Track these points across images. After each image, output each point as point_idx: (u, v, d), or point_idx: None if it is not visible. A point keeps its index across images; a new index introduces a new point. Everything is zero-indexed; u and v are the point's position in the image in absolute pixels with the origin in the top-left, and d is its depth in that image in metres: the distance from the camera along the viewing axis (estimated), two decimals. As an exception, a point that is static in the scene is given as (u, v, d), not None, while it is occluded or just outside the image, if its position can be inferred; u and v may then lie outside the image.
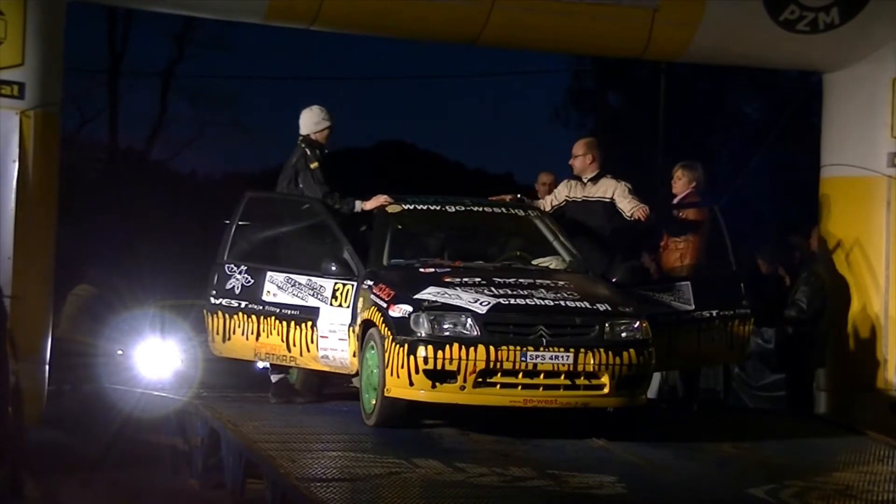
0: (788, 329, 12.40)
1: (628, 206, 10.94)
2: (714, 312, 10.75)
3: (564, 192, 11.21)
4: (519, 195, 11.66)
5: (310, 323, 10.18)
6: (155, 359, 15.95)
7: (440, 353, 8.98)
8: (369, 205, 10.56)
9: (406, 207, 10.59)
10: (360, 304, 9.80)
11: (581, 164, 11.18)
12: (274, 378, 10.83)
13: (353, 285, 9.96)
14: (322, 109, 11.05)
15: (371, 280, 9.76)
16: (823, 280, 12.35)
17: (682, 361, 11.05)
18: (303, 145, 10.94)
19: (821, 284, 12.23)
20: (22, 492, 9.36)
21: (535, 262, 10.41)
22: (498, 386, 9.03)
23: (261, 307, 10.45)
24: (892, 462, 9.33)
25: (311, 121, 11.00)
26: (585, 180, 11.16)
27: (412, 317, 9.12)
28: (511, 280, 9.62)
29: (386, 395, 9.22)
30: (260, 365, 12.01)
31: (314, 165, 10.81)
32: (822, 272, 12.43)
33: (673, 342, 10.41)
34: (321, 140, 11.01)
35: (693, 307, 10.67)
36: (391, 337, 9.16)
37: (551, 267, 10.33)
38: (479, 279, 9.57)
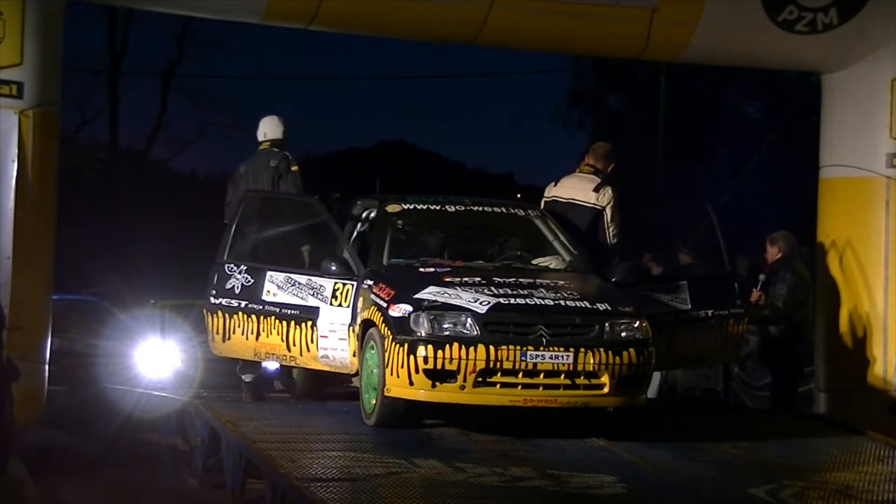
0: (769, 329, 12.39)
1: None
2: (710, 312, 10.78)
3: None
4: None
5: (310, 322, 10.18)
6: (155, 359, 15.97)
7: (440, 352, 8.98)
8: None
9: (406, 207, 10.59)
10: (359, 304, 9.80)
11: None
12: (247, 378, 11.06)
13: (353, 285, 9.96)
14: (281, 118, 11.61)
15: (371, 280, 9.76)
16: (803, 279, 12.32)
17: (679, 361, 11.06)
18: (275, 149, 11.37)
19: (797, 283, 12.19)
20: (6, 467, 9.34)
21: (535, 261, 10.42)
22: (498, 386, 9.03)
23: (261, 307, 10.45)
24: (892, 462, 9.33)
25: (277, 128, 11.51)
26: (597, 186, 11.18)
27: (412, 316, 9.12)
28: (511, 280, 9.62)
29: (386, 394, 9.22)
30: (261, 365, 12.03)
31: (295, 168, 11.29)
32: (802, 271, 12.41)
33: (671, 342, 10.41)
34: (285, 145, 11.50)
35: (690, 307, 10.69)
36: (391, 336, 9.16)
37: (551, 266, 10.33)
38: (479, 279, 9.57)
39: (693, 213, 11.95)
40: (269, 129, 11.52)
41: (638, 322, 9.37)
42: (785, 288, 12.13)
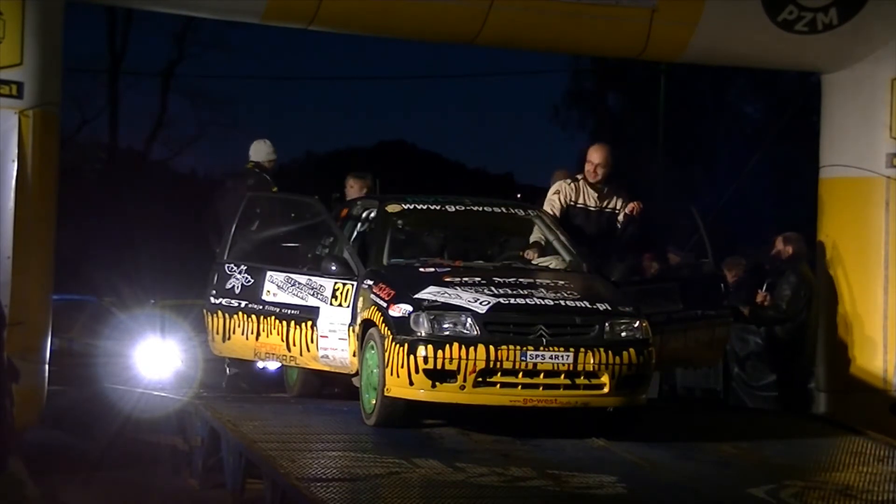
0: (774, 329, 12.39)
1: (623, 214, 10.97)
2: (699, 312, 10.79)
3: (572, 194, 11.07)
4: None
5: (310, 322, 10.17)
6: (155, 359, 15.96)
7: (440, 352, 8.97)
8: None
9: (406, 207, 10.58)
10: (359, 304, 9.80)
11: (606, 172, 10.98)
12: (229, 371, 11.82)
13: (353, 285, 9.95)
14: (272, 143, 12.35)
15: (371, 279, 9.75)
16: (808, 280, 12.32)
17: (670, 361, 11.07)
18: (257, 171, 12.09)
19: (801, 284, 12.19)
20: (6, 467, 9.37)
21: (535, 261, 10.41)
22: (498, 385, 9.02)
23: (261, 307, 10.45)
24: (892, 462, 9.33)
25: (263, 151, 12.23)
26: (599, 188, 11.02)
27: (412, 316, 9.12)
28: (511, 280, 9.61)
29: (386, 394, 9.21)
30: (259, 364, 12.04)
31: (275, 190, 12.02)
32: (807, 272, 12.41)
33: (664, 341, 10.40)
34: (269, 168, 12.18)
35: (681, 307, 10.70)
36: (391, 336, 9.15)
37: (551, 266, 10.33)
38: (479, 279, 9.57)
39: (687, 213, 11.92)
40: (253, 151, 12.26)
41: (638, 322, 9.37)
42: (789, 289, 12.14)
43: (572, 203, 10.97)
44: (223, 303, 10.66)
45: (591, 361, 9.09)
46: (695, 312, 10.79)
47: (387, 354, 9.16)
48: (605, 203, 10.99)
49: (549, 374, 9.04)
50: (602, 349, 9.12)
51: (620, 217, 10.97)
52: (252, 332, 10.52)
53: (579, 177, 11.06)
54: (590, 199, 11.00)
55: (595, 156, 10.98)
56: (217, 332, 10.76)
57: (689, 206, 11.54)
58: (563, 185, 11.04)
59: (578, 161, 11.50)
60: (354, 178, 12.10)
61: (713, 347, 11.16)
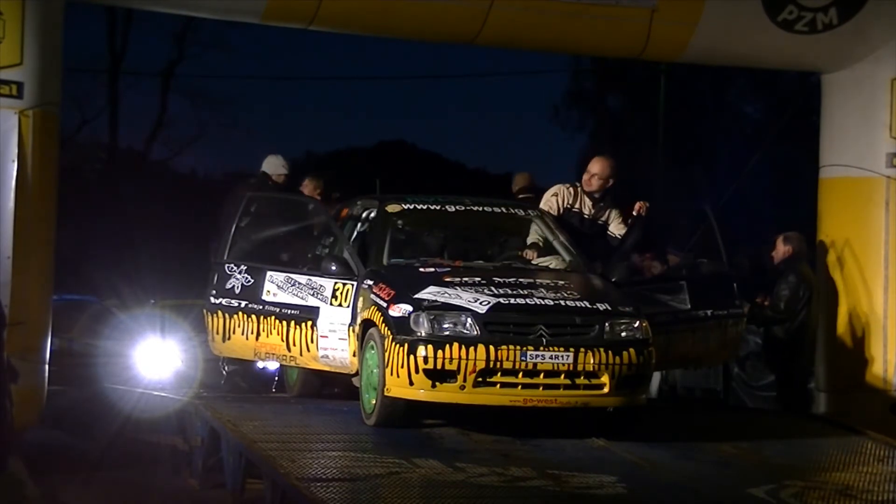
0: (773, 329, 12.40)
1: (619, 228, 10.94)
2: (709, 312, 10.77)
3: (570, 198, 11.07)
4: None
5: (310, 322, 10.18)
6: (155, 359, 15.98)
7: (440, 352, 8.97)
8: None
9: (406, 207, 10.58)
10: (359, 304, 9.80)
11: (602, 184, 11.00)
12: (226, 369, 12.08)
13: (353, 285, 9.95)
14: (285, 159, 12.42)
15: (371, 279, 9.75)
16: (807, 280, 12.32)
17: (677, 361, 11.05)
18: (269, 183, 12.20)
19: (800, 284, 12.19)
20: (6, 467, 9.38)
21: (535, 261, 10.41)
22: (498, 385, 9.02)
23: (261, 307, 10.45)
24: (892, 462, 9.33)
25: (274, 164, 12.32)
26: (595, 198, 11.00)
27: (412, 316, 9.12)
28: (511, 280, 9.61)
29: (386, 394, 9.21)
30: (259, 364, 12.05)
31: None
32: (807, 272, 12.41)
33: (670, 341, 10.40)
34: (278, 182, 12.27)
35: (689, 306, 10.68)
36: (391, 336, 9.15)
37: (551, 267, 10.33)
38: (479, 279, 9.57)
39: (691, 213, 11.93)
40: (265, 163, 12.36)
41: (638, 322, 9.36)
42: (787, 289, 12.13)
43: (569, 207, 10.99)
44: (223, 303, 10.66)
45: (591, 361, 9.08)
46: (704, 312, 10.77)
47: (387, 354, 9.16)
48: (598, 215, 11.01)
49: (549, 374, 9.04)
50: (602, 349, 9.12)
51: (612, 228, 10.99)
52: (252, 332, 10.52)
53: (578, 184, 11.10)
54: (585, 206, 11.02)
55: (594, 166, 11.04)
56: (217, 332, 10.76)
57: (704, 207, 11.50)
58: (561, 189, 11.09)
59: (578, 162, 11.54)
60: (311, 178, 12.42)
61: (726, 347, 11.14)
